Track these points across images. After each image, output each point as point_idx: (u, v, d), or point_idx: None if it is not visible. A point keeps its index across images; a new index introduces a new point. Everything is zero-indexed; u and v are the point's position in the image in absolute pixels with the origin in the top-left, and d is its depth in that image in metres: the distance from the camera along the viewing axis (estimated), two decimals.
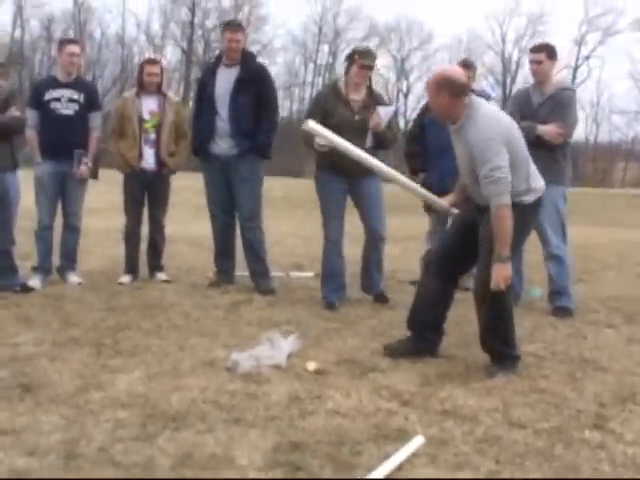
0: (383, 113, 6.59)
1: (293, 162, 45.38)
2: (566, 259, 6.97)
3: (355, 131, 6.41)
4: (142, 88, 7.76)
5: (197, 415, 3.99)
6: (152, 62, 7.94)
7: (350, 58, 6.74)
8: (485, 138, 4.75)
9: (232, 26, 7.49)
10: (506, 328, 5.07)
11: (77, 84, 7.60)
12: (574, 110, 6.95)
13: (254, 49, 57.19)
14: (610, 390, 4.65)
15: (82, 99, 7.54)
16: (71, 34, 56.00)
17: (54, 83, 7.61)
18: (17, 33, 55.36)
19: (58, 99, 7.49)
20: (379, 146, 6.77)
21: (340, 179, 6.76)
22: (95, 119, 7.67)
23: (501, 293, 4.91)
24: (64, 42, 7.76)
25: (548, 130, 6.66)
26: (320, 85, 58.40)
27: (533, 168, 5.09)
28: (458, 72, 5.02)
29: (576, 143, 60.15)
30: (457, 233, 5.37)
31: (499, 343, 5.05)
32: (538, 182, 5.08)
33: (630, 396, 4.55)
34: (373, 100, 6.80)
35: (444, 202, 5.61)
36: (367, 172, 6.68)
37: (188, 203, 13.96)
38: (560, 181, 6.74)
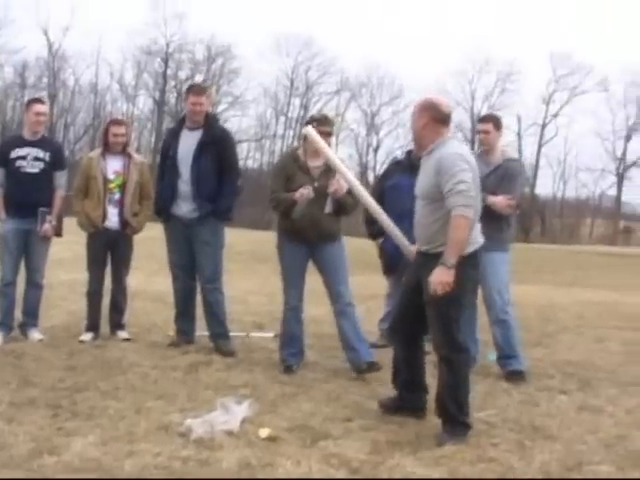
0: (343, 179, 6.67)
1: (263, 214, 45.49)
2: (512, 322, 7.06)
3: (315, 197, 6.52)
4: (107, 148, 7.85)
5: None
6: (118, 123, 8.09)
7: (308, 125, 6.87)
8: (454, 155, 5.03)
9: (195, 89, 7.63)
10: (463, 394, 5.18)
11: (43, 143, 7.70)
12: (522, 181, 7.17)
13: (226, 101, 58.05)
14: (557, 459, 4.70)
15: (47, 158, 7.62)
16: (45, 81, 56.32)
17: (20, 141, 7.70)
18: None
19: (24, 157, 7.56)
20: (339, 211, 6.81)
21: (301, 246, 6.79)
22: (60, 178, 7.74)
23: (461, 357, 5.14)
24: (31, 101, 7.89)
25: (497, 201, 6.79)
26: (291, 138, 58.86)
27: (478, 224, 5.23)
28: (445, 102, 5.35)
29: (544, 199, 61.25)
30: (406, 296, 5.52)
31: (454, 407, 5.13)
32: (478, 237, 5.23)
33: (576, 466, 4.61)
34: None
35: (412, 248, 5.69)
36: (329, 238, 6.77)
37: (152, 256, 13.83)
38: (504, 248, 6.92)
